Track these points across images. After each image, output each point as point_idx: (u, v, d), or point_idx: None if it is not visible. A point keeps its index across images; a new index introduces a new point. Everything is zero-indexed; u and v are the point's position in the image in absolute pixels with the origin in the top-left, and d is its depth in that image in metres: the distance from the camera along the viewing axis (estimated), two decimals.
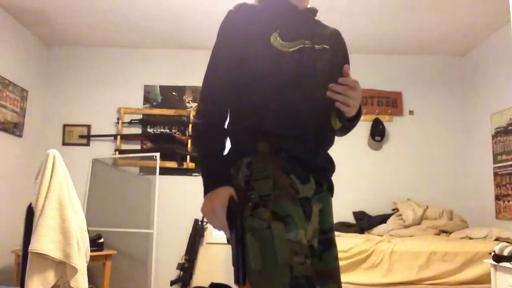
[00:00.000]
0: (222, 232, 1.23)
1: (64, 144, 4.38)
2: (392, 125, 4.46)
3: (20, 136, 4.04)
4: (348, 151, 4.36)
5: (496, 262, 2.66)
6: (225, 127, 1.31)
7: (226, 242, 1.21)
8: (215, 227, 1.20)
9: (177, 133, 4.39)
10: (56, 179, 2.28)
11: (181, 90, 4.50)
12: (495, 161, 3.91)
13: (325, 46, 1.38)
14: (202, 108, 1.29)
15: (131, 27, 4.07)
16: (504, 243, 2.73)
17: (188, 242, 4.12)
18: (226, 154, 1.28)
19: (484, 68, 4.19)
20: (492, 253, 2.69)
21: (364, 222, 4.09)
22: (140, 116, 4.45)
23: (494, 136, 3.96)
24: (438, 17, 3.73)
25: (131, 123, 4.41)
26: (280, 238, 1.11)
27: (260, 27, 1.31)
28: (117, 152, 4.30)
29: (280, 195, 1.17)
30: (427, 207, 4.00)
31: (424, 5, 3.52)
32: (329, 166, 1.36)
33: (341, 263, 3.15)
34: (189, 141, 4.30)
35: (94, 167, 4.27)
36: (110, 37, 4.32)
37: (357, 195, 4.30)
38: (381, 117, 4.41)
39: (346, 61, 1.49)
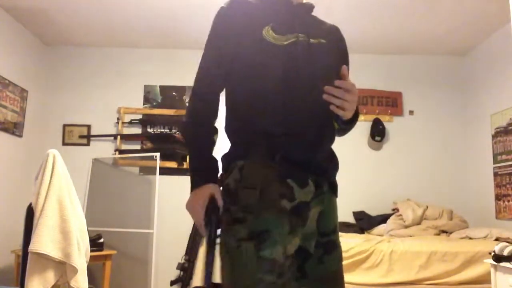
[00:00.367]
0: None
1: (64, 144, 4.38)
2: (392, 125, 4.46)
3: (20, 136, 4.04)
4: (348, 151, 4.36)
5: (496, 262, 2.65)
6: (214, 124, 1.30)
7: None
8: (196, 224, 1.21)
9: (177, 133, 4.39)
10: (56, 179, 2.28)
11: (181, 90, 4.50)
12: (495, 161, 3.91)
13: (322, 41, 1.32)
14: (191, 106, 1.30)
15: (131, 27, 4.07)
16: (504, 243, 2.73)
17: (188, 242, 4.12)
18: (224, 154, 1.27)
19: (484, 68, 4.19)
20: (492, 253, 2.69)
21: (364, 222, 4.08)
22: (140, 116, 4.45)
23: (494, 136, 3.96)
24: (438, 17, 3.73)
25: (131, 123, 4.41)
26: (250, 258, 1.09)
27: (252, 22, 1.27)
28: (117, 152, 4.30)
29: (264, 208, 1.14)
30: (427, 207, 3.99)
31: (424, 5, 3.52)
32: (330, 165, 1.30)
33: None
34: None
35: (94, 167, 4.26)
36: (110, 37, 4.32)
37: (357, 195, 4.30)
38: (381, 117, 4.41)
39: (345, 58, 1.44)
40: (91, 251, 2.66)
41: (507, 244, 2.71)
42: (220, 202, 1.19)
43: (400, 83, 4.53)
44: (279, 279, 1.09)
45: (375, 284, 3.11)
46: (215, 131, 1.30)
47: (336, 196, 1.32)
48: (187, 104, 1.33)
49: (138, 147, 4.40)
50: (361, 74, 4.30)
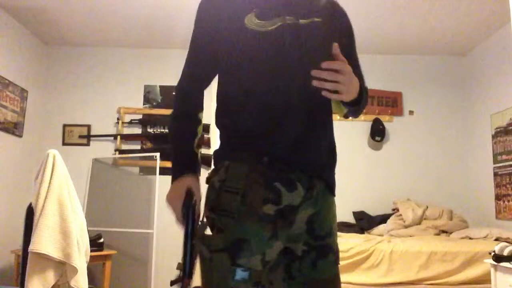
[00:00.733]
0: None
1: (64, 144, 4.38)
2: (392, 125, 4.46)
3: (20, 136, 4.04)
4: (348, 151, 4.37)
5: (496, 262, 2.65)
6: (198, 115, 1.27)
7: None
8: (175, 218, 1.20)
9: None
10: (56, 179, 2.28)
11: None
12: (495, 161, 3.91)
13: (315, 19, 1.20)
14: (173, 101, 1.28)
15: (131, 27, 4.07)
16: (504, 243, 2.73)
17: None
18: (215, 150, 1.23)
19: (484, 68, 4.19)
20: (492, 253, 2.69)
21: (364, 222, 4.08)
22: (140, 116, 4.45)
23: (494, 136, 3.96)
24: (438, 17, 3.73)
25: (131, 123, 4.41)
26: (224, 268, 1.05)
27: (234, 11, 1.18)
28: (117, 152, 4.30)
29: (244, 214, 1.08)
30: (427, 207, 4.00)
31: (424, 5, 3.52)
32: (326, 161, 1.20)
33: (341, 263, 3.15)
34: None
35: (94, 167, 4.26)
36: (110, 37, 4.32)
37: (357, 195, 4.31)
38: (381, 117, 4.41)
39: (347, 33, 1.30)
40: (91, 251, 2.66)
41: (507, 244, 2.71)
42: (197, 195, 1.17)
43: (400, 83, 4.53)
44: (256, 287, 1.06)
45: (375, 284, 3.11)
46: (198, 122, 1.26)
47: (333, 195, 1.24)
48: None
49: (138, 147, 4.40)
50: None
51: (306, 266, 1.15)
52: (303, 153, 1.14)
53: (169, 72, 4.51)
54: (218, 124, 1.24)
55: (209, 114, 4.06)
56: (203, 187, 1.17)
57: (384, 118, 4.43)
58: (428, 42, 4.25)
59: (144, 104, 4.48)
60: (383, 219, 4.04)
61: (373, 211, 4.23)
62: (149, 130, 4.43)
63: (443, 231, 3.84)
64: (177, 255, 4.13)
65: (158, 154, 4.11)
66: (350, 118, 1.35)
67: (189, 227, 1.14)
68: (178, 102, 1.27)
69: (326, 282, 1.17)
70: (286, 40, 1.15)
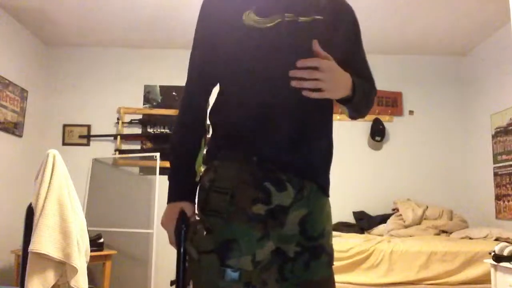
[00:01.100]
0: None
1: (64, 144, 4.38)
2: (392, 125, 4.46)
3: (20, 136, 4.04)
4: (348, 151, 4.37)
5: (496, 262, 2.65)
6: (204, 122, 1.23)
7: None
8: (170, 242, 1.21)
9: None
10: (56, 179, 2.28)
11: (181, 90, 4.48)
12: (495, 161, 3.91)
13: (317, 17, 1.17)
14: (180, 103, 1.26)
15: (131, 27, 4.07)
16: (504, 243, 2.73)
17: None
18: (207, 148, 1.21)
19: (484, 68, 4.19)
20: (492, 253, 2.69)
21: (364, 222, 4.08)
22: (140, 116, 4.45)
23: (494, 136, 3.96)
24: (438, 17, 3.73)
25: (131, 123, 4.41)
26: (212, 270, 1.05)
27: (232, 8, 1.17)
28: (117, 152, 4.30)
29: (233, 214, 1.06)
30: (427, 207, 4.00)
31: (424, 5, 3.52)
32: (320, 163, 1.18)
33: (341, 263, 3.18)
34: None
35: (94, 167, 4.26)
36: (111, 37, 4.32)
37: (357, 195, 4.30)
38: (381, 117, 4.41)
39: (352, 30, 1.28)
40: (91, 251, 2.66)
41: (507, 244, 2.71)
42: (191, 220, 1.17)
43: (400, 83, 4.53)
44: (246, 287, 1.05)
45: (375, 284, 3.11)
46: (204, 131, 1.23)
47: (326, 195, 1.21)
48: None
49: (138, 147, 4.40)
50: None
51: (299, 267, 1.13)
52: (296, 154, 1.12)
53: (169, 72, 4.51)
54: (210, 121, 1.22)
55: None
56: None
57: (384, 118, 4.43)
58: (428, 42, 4.25)
59: (144, 104, 4.48)
60: (383, 219, 4.04)
61: (373, 211, 4.23)
62: (149, 130, 4.43)
63: (443, 231, 3.84)
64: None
65: (158, 154, 4.11)
66: (351, 116, 1.32)
67: (181, 249, 1.15)
68: (184, 107, 1.24)
69: (319, 283, 1.15)
70: (283, 38, 1.12)
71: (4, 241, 3.72)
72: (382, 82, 4.50)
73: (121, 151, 4.31)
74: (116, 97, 4.47)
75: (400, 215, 3.94)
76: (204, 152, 1.23)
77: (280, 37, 1.12)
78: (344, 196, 4.18)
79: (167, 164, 4.28)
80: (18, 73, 4.00)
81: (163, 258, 4.13)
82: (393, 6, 3.55)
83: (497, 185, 3.86)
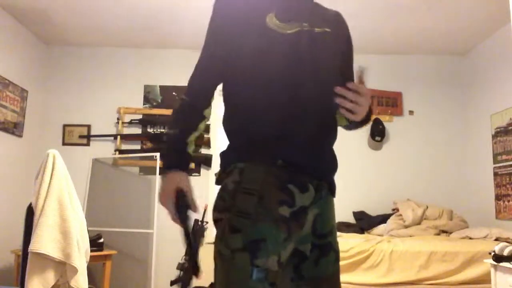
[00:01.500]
0: None
1: (64, 144, 4.38)
2: (392, 125, 4.46)
3: (20, 136, 4.04)
4: (348, 151, 4.36)
5: (496, 262, 2.65)
6: (203, 111, 1.25)
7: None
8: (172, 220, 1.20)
9: None
10: (56, 179, 2.28)
11: (181, 90, 4.50)
12: (495, 161, 3.91)
13: (326, 30, 1.25)
14: (184, 93, 1.28)
15: (132, 27, 4.07)
16: (504, 243, 2.73)
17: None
18: (223, 152, 1.23)
19: (484, 68, 4.19)
20: (492, 253, 2.69)
21: (364, 222, 4.08)
22: (140, 116, 4.45)
23: (494, 136, 3.96)
24: (438, 17, 3.73)
25: (131, 123, 4.41)
26: (243, 268, 1.06)
27: (254, 9, 1.21)
28: (117, 152, 4.30)
29: (261, 215, 1.09)
30: (427, 207, 3.99)
31: (424, 5, 3.52)
32: (331, 166, 1.25)
33: (341, 263, 3.16)
34: None
35: (94, 167, 4.26)
36: (110, 37, 4.32)
37: (357, 195, 4.30)
38: (381, 117, 4.42)
39: (349, 45, 1.39)
40: (91, 251, 2.66)
41: (507, 244, 2.71)
42: (188, 194, 1.18)
43: (400, 83, 4.53)
44: (271, 287, 1.07)
45: (375, 284, 3.11)
46: (202, 117, 1.26)
47: (333, 196, 1.28)
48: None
49: (138, 147, 4.40)
50: None
51: (310, 265, 1.18)
52: (315, 157, 1.19)
53: (169, 72, 4.51)
54: (228, 126, 1.25)
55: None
56: (206, 186, 1.18)
57: (384, 118, 4.43)
58: (428, 42, 4.25)
59: (144, 104, 4.48)
60: (383, 219, 4.03)
61: (373, 211, 4.23)
62: (149, 130, 4.43)
63: (443, 231, 3.84)
64: (177, 255, 4.13)
65: (158, 154, 4.11)
66: (348, 128, 1.46)
67: (188, 229, 1.17)
68: (187, 95, 1.27)
69: (327, 279, 1.20)
70: (303, 47, 1.18)
71: (4, 241, 3.72)
72: (382, 82, 4.50)
73: (121, 151, 4.31)
74: (116, 97, 4.47)
75: (400, 215, 3.94)
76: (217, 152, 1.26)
77: (301, 45, 1.18)
78: (344, 196, 4.15)
79: None
80: (18, 73, 4.00)
81: (163, 258, 4.13)
82: (393, 6, 3.55)
83: (497, 185, 3.86)
